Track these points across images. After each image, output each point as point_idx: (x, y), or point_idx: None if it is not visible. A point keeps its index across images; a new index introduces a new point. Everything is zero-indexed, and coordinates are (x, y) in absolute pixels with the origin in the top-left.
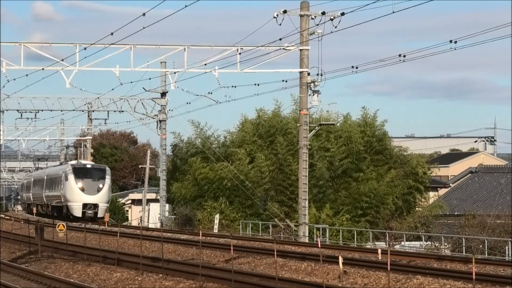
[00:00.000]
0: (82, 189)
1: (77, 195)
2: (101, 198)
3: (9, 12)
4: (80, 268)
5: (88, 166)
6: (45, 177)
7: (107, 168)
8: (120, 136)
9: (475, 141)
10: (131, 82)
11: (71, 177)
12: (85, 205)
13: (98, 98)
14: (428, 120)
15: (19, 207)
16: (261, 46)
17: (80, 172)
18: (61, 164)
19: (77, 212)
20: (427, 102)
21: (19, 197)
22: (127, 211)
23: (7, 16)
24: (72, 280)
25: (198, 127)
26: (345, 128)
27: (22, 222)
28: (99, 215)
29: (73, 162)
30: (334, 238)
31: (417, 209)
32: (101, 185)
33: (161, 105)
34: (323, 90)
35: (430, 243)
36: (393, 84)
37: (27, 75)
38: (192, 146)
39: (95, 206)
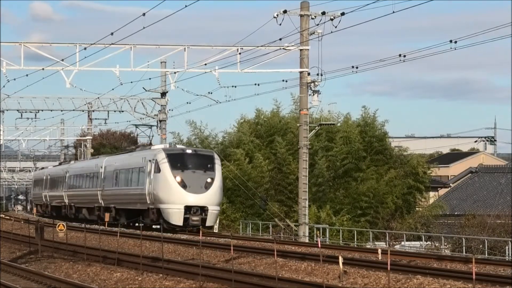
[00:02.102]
0: (184, 185)
1: (176, 194)
2: (211, 198)
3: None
4: (80, 268)
5: (189, 151)
6: (100, 170)
7: (216, 155)
8: (120, 136)
9: (475, 141)
10: (131, 82)
11: (166, 167)
12: (188, 209)
13: (98, 98)
14: (428, 120)
15: (19, 207)
16: (261, 46)
17: (178, 160)
18: (133, 149)
19: (177, 219)
20: (427, 102)
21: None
22: None
23: (6, 15)
24: (72, 280)
25: (195, 127)
26: (345, 128)
27: (22, 222)
28: (209, 223)
29: (161, 146)
30: (334, 238)
31: (417, 209)
32: (209, 179)
33: (161, 105)
34: (323, 90)
35: (430, 243)
36: (392, 84)
37: (27, 75)
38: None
39: (203, 209)
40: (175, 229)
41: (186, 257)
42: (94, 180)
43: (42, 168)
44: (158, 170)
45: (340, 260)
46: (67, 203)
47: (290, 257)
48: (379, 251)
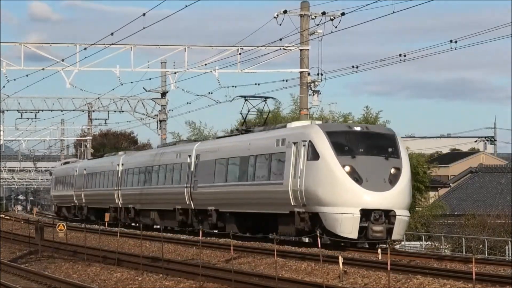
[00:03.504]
0: (357, 178)
1: (347, 191)
2: (399, 197)
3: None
4: (80, 268)
5: (358, 128)
6: (189, 160)
7: (396, 135)
8: (120, 136)
9: (475, 141)
10: (131, 82)
11: (328, 151)
12: (366, 214)
13: (98, 98)
14: (428, 120)
15: (19, 207)
16: (261, 46)
17: (345, 141)
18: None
19: (348, 228)
20: (427, 102)
21: (20, 197)
22: None
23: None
24: (72, 280)
25: (194, 128)
26: None
27: (22, 222)
28: (396, 235)
29: (306, 122)
30: None
31: (417, 209)
32: (393, 170)
33: (161, 105)
34: (322, 90)
35: (430, 243)
36: (391, 84)
37: (27, 75)
38: None
39: (388, 215)
40: (342, 243)
41: (186, 257)
42: (176, 174)
43: (67, 162)
44: (314, 155)
45: (340, 260)
46: (120, 205)
47: (290, 257)
48: (379, 251)
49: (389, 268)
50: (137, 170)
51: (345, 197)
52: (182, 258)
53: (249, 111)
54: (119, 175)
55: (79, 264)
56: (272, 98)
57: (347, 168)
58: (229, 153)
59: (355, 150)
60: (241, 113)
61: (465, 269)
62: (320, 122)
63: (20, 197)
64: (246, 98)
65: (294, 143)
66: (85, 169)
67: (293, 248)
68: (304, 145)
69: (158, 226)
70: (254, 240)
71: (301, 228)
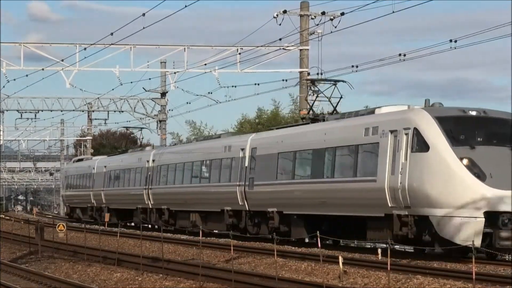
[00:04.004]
0: (478, 174)
1: (466, 189)
2: None
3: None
4: (80, 268)
5: (474, 113)
6: (242, 154)
7: None
8: (120, 136)
9: None
10: (131, 82)
11: (441, 140)
12: (492, 218)
13: (98, 98)
14: None
15: (19, 207)
16: (261, 46)
17: (460, 129)
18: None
19: (468, 234)
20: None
21: (20, 197)
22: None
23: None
24: (72, 281)
25: (195, 127)
26: None
27: (22, 223)
28: None
29: (403, 107)
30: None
31: None
32: None
33: (161, 105)
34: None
35: None
36: (391, 84)
37: (27, 75)
38: None
39: None
40: (461, 251)
41: (186, 257)
42: (225, 170)
43: (80, 159)
44: (421, 146)
45: (340, 260)
46: (151, 205)
47: (290, 257)
48: (379, 251)
49: (389, 268)
50: (173, 167)
51: (465, 197)
52: (182, 258)
53: (317, 96)
54: (150, 173)
55: (79, 264)
56: (343, 81)
57: (466, 161)
58: (296, 146)
59: (473, 139)
60: (306, 100)
61: (465, 269)
62: (432, 106)
63: (20, 197)
64: (314, 81)
65: (392, 131)
66: (105, 167)
67: (293, 248)
68: (406, 134)
69: (200, 230)
70: (254, 240)
71: (403, 234)
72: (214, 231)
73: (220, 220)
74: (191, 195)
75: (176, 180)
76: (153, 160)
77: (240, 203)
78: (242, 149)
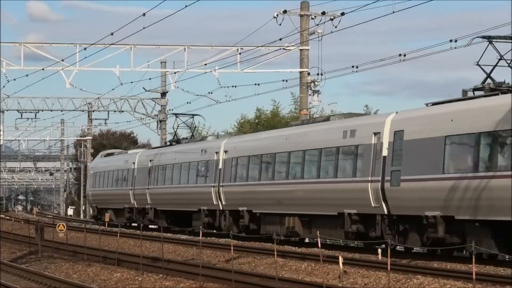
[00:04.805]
0: None
1: None
2: None
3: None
4: (80, 268)
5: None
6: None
7: None
8: (120, 136)
9: None
10: (131, 82)
11: None
12: None
13: (98, 98)
14: None
15: (19, 207)
16: (261, 46)
17: None
18: None
19: None
20: (426, 102)
21: (20, 197)
22: None
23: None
24: (72, 281)
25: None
26: None
27: (22, 222)
28: None
29: None
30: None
31: None
32: None
33: (161, 105)
34: (322, 90)
35: None
36: (391, 84)
37: (27, 75)
38: None
39: None
40: None
41: (186, 257)
42: (347, 162)
43: (110, 154)
44: None
45: (340, 260)
46: (222, 206)
47: (290, 257)
48: (379, 251)
49: (389, 268)
50: (257, 159)
51: None
52: (182, 258)
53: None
54: (220, 167)
55: (79, 264)
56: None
57: None
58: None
59: None
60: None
61: (465, 269)
62: None
63: (20, 197)
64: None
65: None
66: (150, 161)
67: (293, 248)
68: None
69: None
70: (254, 240)
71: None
72: (327, 241)
73: (334, 226)
74: (289, 194)
75: (262, 176)
76: (226, 152)
77: (373, 205)
78: (375, 134)
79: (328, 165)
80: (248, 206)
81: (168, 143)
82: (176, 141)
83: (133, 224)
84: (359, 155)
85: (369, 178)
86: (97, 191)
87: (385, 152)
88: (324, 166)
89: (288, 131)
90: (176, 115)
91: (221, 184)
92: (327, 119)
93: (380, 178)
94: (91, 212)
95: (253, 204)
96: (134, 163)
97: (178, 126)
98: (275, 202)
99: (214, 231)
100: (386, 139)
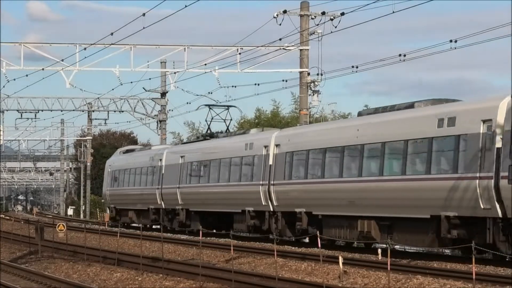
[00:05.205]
0: None
1: None
2: None
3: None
4: (80, 268)
5: None
6: None
7: None
8: (120, 136)
9: None
10: (131, 82)
11: None
12: None
13: (98, 98)
14: None
15: (19, 207)
16: (261, 46)
17: None
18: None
19: None
20: None
21: (20, 197)
22: None
23: (2, 15)
24: (72, 281)
25: (193, 128)
26: None
27: (22, 222)
28: None
29: None
30: None
31: None
32: None
33: (161, 105)
34: (322, 90)
35: None
36: (391, 84)
37: (27, 75)
38: None
39: None
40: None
41: (186, 257)
42: (445, 156)
43: (130, 150)
44: None
45: (340, 260)
46: (272, 207)
47: (290, 257)
48: (379, 251)
49: (389, 268)
50: (319, 154)
51: None
52: (182, 258)
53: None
54: (271, 163)
55: (79, 264)
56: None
57: None
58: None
59: None
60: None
61: (465, 269)
62: None
63: (20, 197)
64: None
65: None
66: (181, 157)
67: (293, 248)
68: None
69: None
70: (254, 240)
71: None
72: (412, 248)
73: (423, 231)
74: (360, 193)
75: (327, 173)
76: (277, 145)
77: (482, 206)
78: (484, 122)
79: (417, 160)
80: (306, 207)
81: (199, 138)
82: (209, 135)
83: (155, 226)
84: (461, 147)
85: (478, 175)
86: (116, 191)
87: (499, 143)
88: (411, 161)
89: (359, 121)
90: (210, 106)
91: (272, 182)
92: (411, 105)
93: (492, 174)
94: (108, 213)
95: (313, 205)
96: (161, 160)
97: (212, 118)
98: (346, 203)
99: (259, 235)
100: (501, 126)
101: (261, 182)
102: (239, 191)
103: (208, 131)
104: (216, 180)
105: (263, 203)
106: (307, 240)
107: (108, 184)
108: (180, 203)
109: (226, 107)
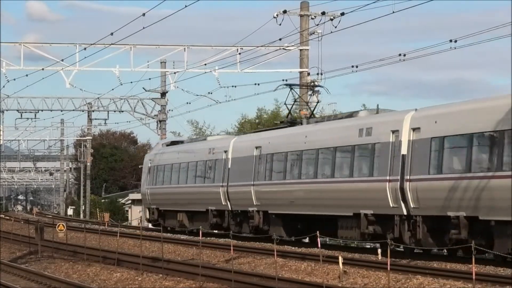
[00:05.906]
0: None
1: None
2: None
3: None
4: (80, 268)
5: None
6: None
7: None
8: (120, 136)
9: None
10: (131, 82)
11: None
12: None
13: (98, 98)
14: None
15: (19, 207)
16: (261, 46)
17: None
18: None
19: None
20: (426, 102)
21: (20, 197)
22: (127, 211)
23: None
24: (72, 280)
25: (197, 127)
26: None
27: (22, 222)
28: None
29: None
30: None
31: None
32: None
33: (161, 105)
34: (322, 90)
35: None
36: (391, 84)
37: (26, 75)
38: None
39: None
40: None
41: (186, 257)
42: None
43: (175, 142)
44: None
45: (340, 260)
46: (405, 210)
47: (290, 257)
48: (379, 251)
49: (389, 268)
50: (467, 140)
51: None
52: (182, 258)
53: (295, 101)
54: (404, 152)
55: (79, 264)
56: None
57: None
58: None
59: None
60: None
61: (465, 269)
62: None
63: (20, 197)
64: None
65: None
66: (256, 148)
67: (293, 248)
68: None
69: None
70: (254, 240)
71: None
72: None
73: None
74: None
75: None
76: (414, 129)
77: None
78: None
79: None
80: (454, 210)
81: (278, 125)
82: (291, 122)
83: (215, 231)
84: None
85: (387, 178)
86: (160, 189)
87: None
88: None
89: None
90: (291, 86)
91: (409, 177)
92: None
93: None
94: (146, 215)
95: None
96: (226, 152)
97: (295, 101)
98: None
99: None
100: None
101: (389, 178)
102: (350, 189)
103: (289, 117)
104: (313, 176)
105: (391, 205)
106: (307, 240)
107: (148, 182)
108: (255, 204)
109: (311, 88)
